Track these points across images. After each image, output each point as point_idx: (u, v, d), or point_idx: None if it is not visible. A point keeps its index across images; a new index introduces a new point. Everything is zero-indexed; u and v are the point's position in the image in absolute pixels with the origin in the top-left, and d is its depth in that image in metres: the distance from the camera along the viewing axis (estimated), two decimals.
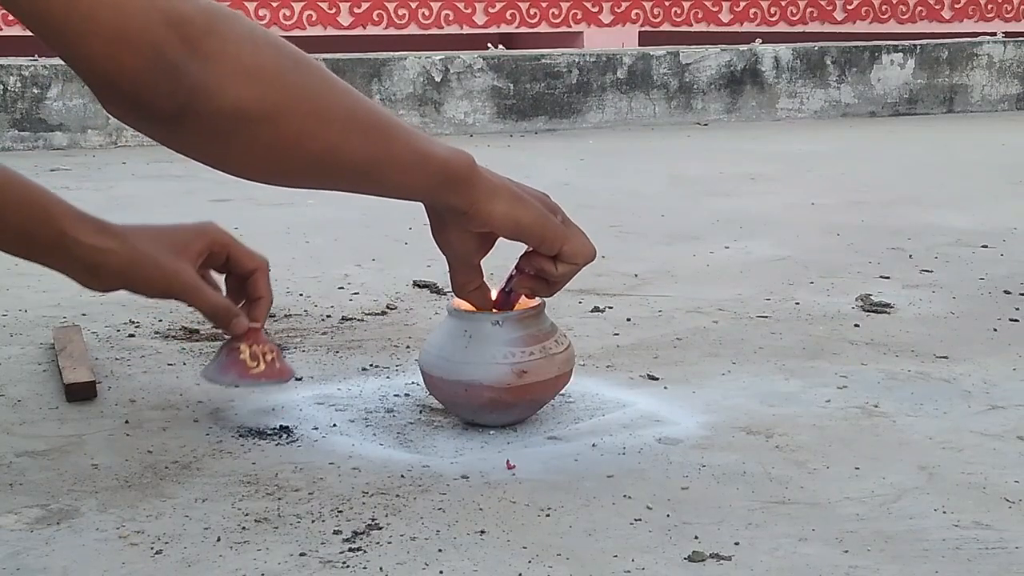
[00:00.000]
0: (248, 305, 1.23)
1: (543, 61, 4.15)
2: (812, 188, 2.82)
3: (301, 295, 1.76)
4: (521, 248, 1.15)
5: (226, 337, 1.23)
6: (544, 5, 5.06)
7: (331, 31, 4.86)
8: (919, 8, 5.58)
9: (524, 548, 0.93)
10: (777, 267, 1.96)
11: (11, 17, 4.43)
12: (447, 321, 1.19)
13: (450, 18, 4.99)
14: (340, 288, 1.80)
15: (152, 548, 0.93)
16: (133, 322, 1.59)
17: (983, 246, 2.11)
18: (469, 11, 5.01)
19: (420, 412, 1.24)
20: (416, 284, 1.81)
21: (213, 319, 1.21)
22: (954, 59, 4.71)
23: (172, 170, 2.99)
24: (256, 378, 1.20)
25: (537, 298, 1.18)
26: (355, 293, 1.77)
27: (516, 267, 1.16)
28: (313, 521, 0.98)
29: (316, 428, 1.20)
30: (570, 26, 5.11)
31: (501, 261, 1.19)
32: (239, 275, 1.24)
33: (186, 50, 0.87)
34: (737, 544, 0.94)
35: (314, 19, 4.83)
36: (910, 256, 2.03)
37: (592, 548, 0.93)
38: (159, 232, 1.19)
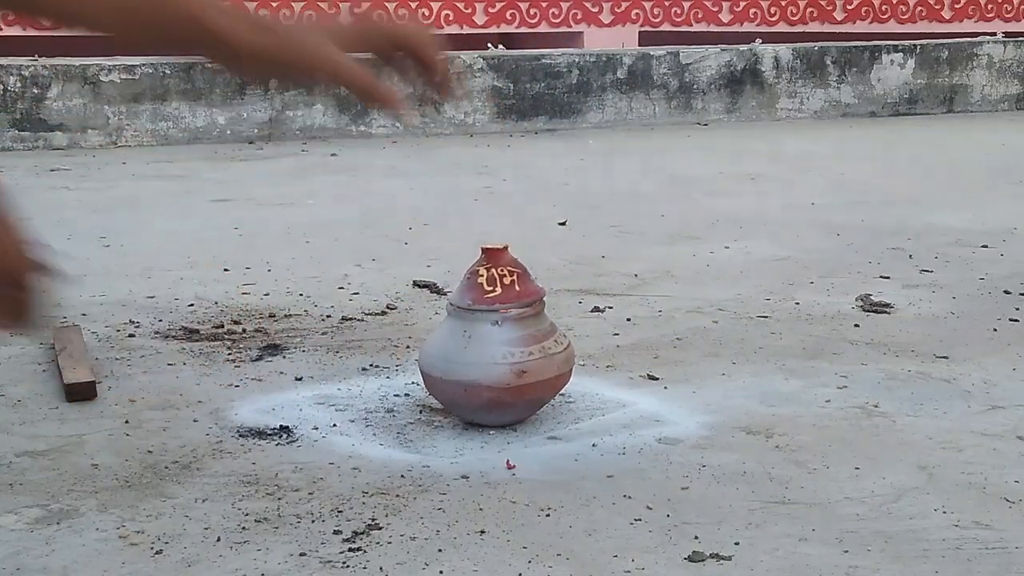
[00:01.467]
0: (429, 82, 1.08)
1: (543, 61, 4.15)
2: (812, 188, 2.82)
3: (301, 295, 1.76)
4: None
5: None
6: (544, 5, 5.06)
7: None
8: (919, 8, 5.58)
9: (524, 548, 0.93)
10: (777, 267, 1.96)
11: (11, 17, 4.42)
12: (447, 321, 1.19)
13: (450, 18, 4.99)
14: (340, 288, 1.80)
15: (152, 548, 0.93)
16: (133, 322, 1.59)
17: (983, 246, 2.11)
18: (469, 11, 5.02)
19: (420, 412, 1.24)
20: (416, 284, 1.81)
21: (361, 94, 1.05)
22: (954, 59, 4.71)
23: (172, 170, 2.99)
24: (491, 302, 1.18)
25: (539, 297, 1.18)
26: (355, 293, 1.77)
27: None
28: (313, 521, 0.98)
29: (316, 428, 1.20)
30: (570, 26, 5.11)
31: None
32: (405, 52, 1.07)
33: None
34: (737, 544, 0.94)
35: (314, 19, 4.83)
36: (910, 256, 2.03)
37: (592, 548, 0.93)
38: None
